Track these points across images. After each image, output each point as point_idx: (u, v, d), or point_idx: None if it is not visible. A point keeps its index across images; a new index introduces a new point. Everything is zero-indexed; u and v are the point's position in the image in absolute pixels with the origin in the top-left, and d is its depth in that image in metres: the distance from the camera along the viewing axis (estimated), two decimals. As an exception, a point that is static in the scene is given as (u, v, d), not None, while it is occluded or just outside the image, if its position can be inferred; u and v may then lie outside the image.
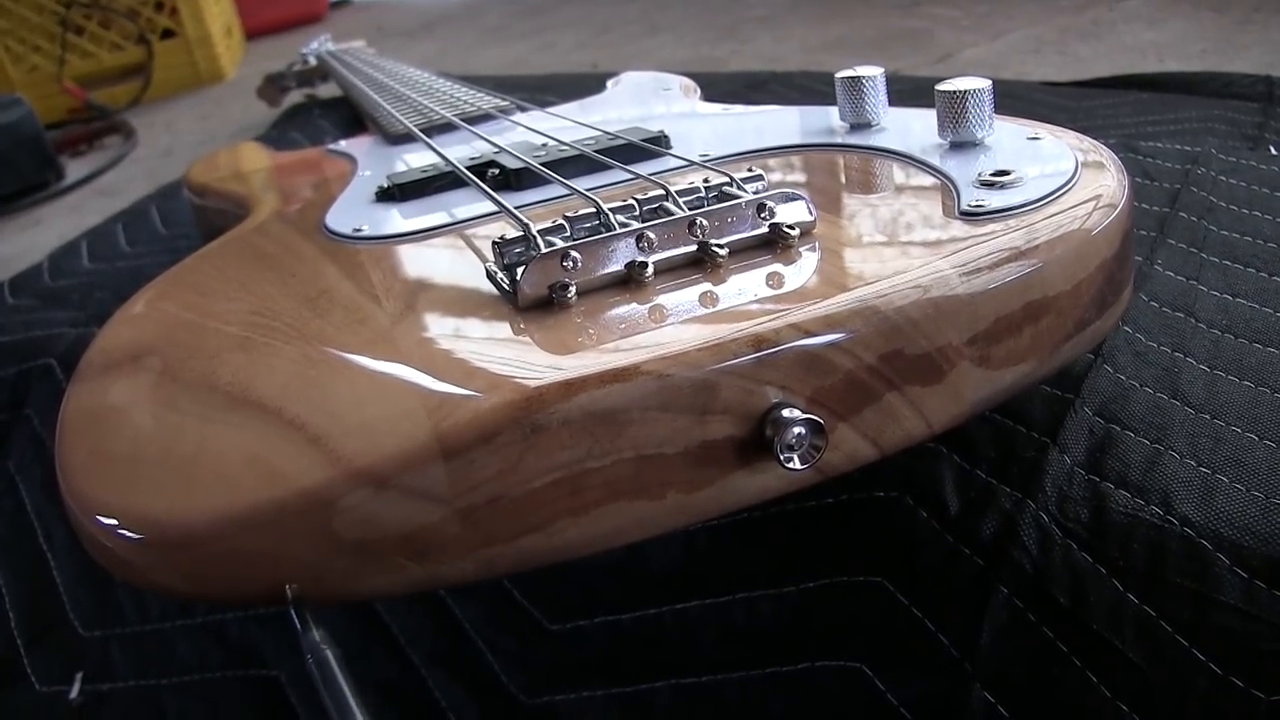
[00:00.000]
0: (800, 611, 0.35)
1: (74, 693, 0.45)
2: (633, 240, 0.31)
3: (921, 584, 0.34)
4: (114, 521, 0.26)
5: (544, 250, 0.31)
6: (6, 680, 0.47)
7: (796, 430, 0.26)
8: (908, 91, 0.79)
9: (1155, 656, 0.30)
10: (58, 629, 0.48)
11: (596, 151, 0.45)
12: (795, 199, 0.33)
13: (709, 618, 0.36)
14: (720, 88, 0.93)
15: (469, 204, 0.43)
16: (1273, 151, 0.61)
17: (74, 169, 1.24)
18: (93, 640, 0.46)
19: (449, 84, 0.80)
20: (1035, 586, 0.32)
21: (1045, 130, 0.38)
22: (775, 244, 0.32)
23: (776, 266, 0.31)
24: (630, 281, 0.31)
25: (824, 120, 0.46)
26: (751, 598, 0.36)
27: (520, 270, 0.31)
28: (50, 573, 0.50)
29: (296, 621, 0.25)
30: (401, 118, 0.64)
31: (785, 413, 0.26)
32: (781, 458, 0.26)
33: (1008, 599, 0.32)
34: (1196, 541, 0.31)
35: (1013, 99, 0.79)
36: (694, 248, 0.32)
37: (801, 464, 0.26)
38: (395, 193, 0.46)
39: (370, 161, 0.56)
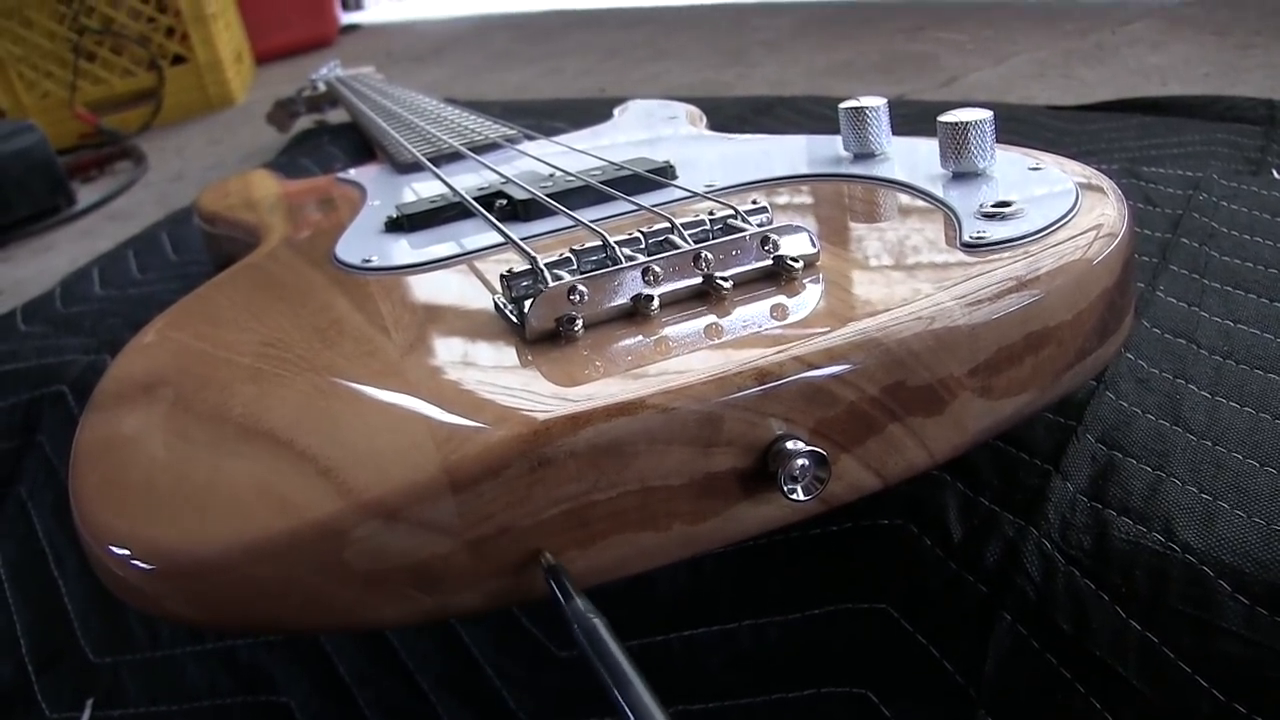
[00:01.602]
0: (806, 638, 0.35)
1: (85, 719, 0.45)
2: (639, 274, 0.32)
3: (926, 611, 0.34)
4: (127, 551, 0.26)
5: (551, 284, 0.31)
6: (17, 706, 0.47)
7: (800, 462, 0.26)
8: (914, 116, 0.80)
9: (1158, 683, 0.30)
10: (68, 655, 0.48)
11: (603, 182, 0.45)
12: (798, 231, 0.33)
13: (715, 644, 0.36)
14: (727, 112, 0.94)
15: (477, 234, 0.43)
16: (1275, 175, 0.62)
17: (85, 194, 1.25)
18: (103, 666, 0.47)
19: (457, 112, 0.81)
20: (1039, 613, 0.32)
21: (1046, 159, 0.39)
22: (779, 276, 0.33)
23: (780, 299, 0.32)
24: (636, 314, 0.32)
25: (828, 149, 0.46)
26: (758, 624, 0.36)
27: (528, 304, 0.31)
28: (61, 598, 0.50)
29: (557, 592, 0.25)
30: (410, 146, 0.64)
31: (789, 444, 0.26)
32: (785, 489, 0.26)
33: (1011, 626, 0.32)
34: (1198, 568, 0.31)
35: (1017, 122, 0.79)
36: (699, 280, 0.32)
37: (805, 495, 0.27)
38: (404, 223, 0.46)
39: (379, 191, 0.57)
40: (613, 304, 0.32)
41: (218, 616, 0.27)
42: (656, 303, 0.31)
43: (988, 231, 0.33)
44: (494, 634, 0.39)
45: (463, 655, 0.39)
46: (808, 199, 0.42)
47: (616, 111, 0.72)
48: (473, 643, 0.40)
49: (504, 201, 0.46)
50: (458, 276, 0.39)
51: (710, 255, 0.32)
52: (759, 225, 0.34)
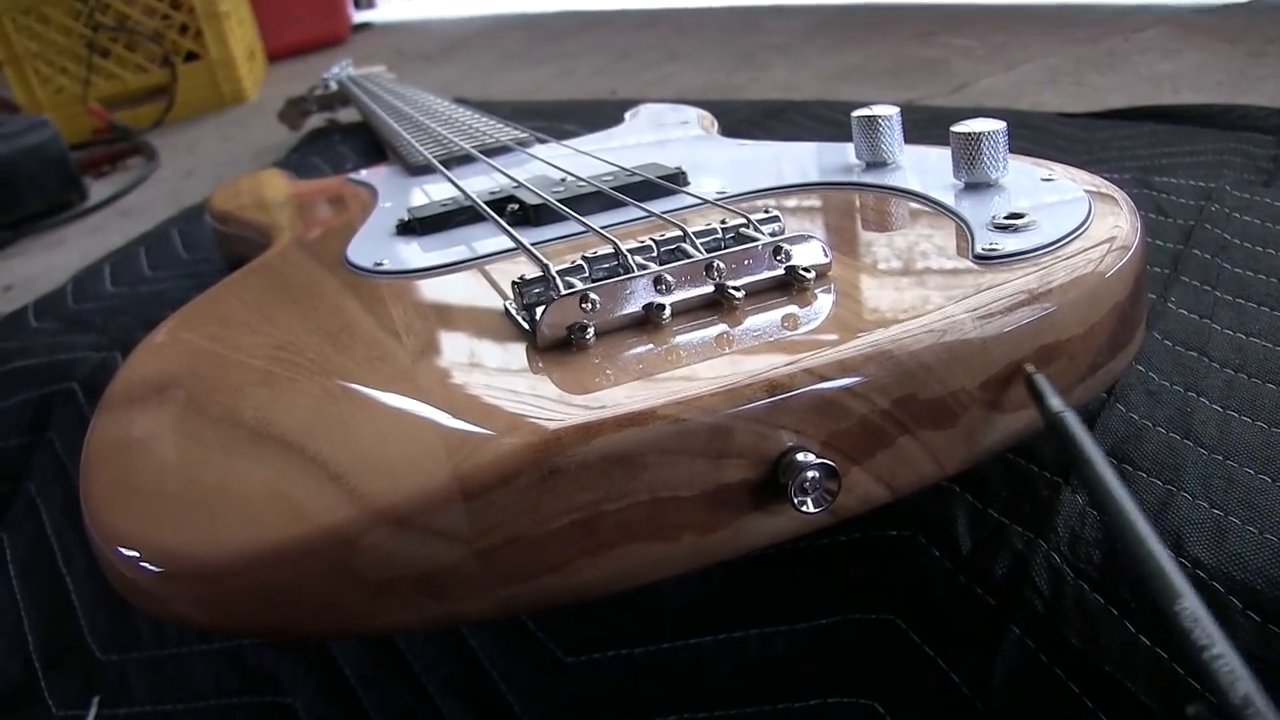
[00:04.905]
0: (813, 648, 0.35)
1: (90, 717, 0.45)
2: (650, 282, 0.32)
3: (933, 623, 0.34)
4: (135, 553, 0.26)
5: (563, 292, 0.31)
6: (24, 703, 0.47)
7: (810, 474, 0.26)
8: (924, 121, 0.79)
9: (1168, 699, 0.30)
10: (75, 652, 0.48)
11: (614, 188, 0.45)
12: (811, 241, 0.33)
13: (722, 653, 0.36)
14: (738, 115, 0.94)
15: (489, 239, 0.43)
16: (1288, 186, 0.61)
17: (97, 190, 1.25)
18: (110, 664, 0.47)
19: (468, 113, 0.81)
20: (1047, 627, 0.32)
21: (1059, 170, 0.39)
22: (791, 286, 0.33)
23: (792, 309, 0.31)
24: (648, 323, 0.32)
25: (840, 157, 0.46)
26: (765, 633, 0.36)
27: (540, 311, 0.31)
28: (69, 596, 0.50)
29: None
30: (421, 148, 0.64)
31: (799, 456, 0.26)
32: (795, 501, 0.26)
33: (1020, 639, 0.32)
34: (1208, 584, 0.31)
35: (1028, 130, 0.79)
36: (711, 289, 0.32)
37: (815, 507, 0.27)
38: (416, 226, 0.46)
39: (390, 192, 0.57)
40: (624, 312, 0.32)
41: (226, 620, 0.27)
42: (668, 312, 0.31)
43: (1000, 244, 0.33)
44: (501, 639, 0.39)
45: (469, 660, 0.39)
46: (820, 207, 0.42)
47: (628, 115, 0.72)
48: (479, 648, 0.40)
49: (515, 206, 0.46)
50: (469, 281, 0.39)
51: (722, 264, 0.32)
52: (771, 234, 0.34)
